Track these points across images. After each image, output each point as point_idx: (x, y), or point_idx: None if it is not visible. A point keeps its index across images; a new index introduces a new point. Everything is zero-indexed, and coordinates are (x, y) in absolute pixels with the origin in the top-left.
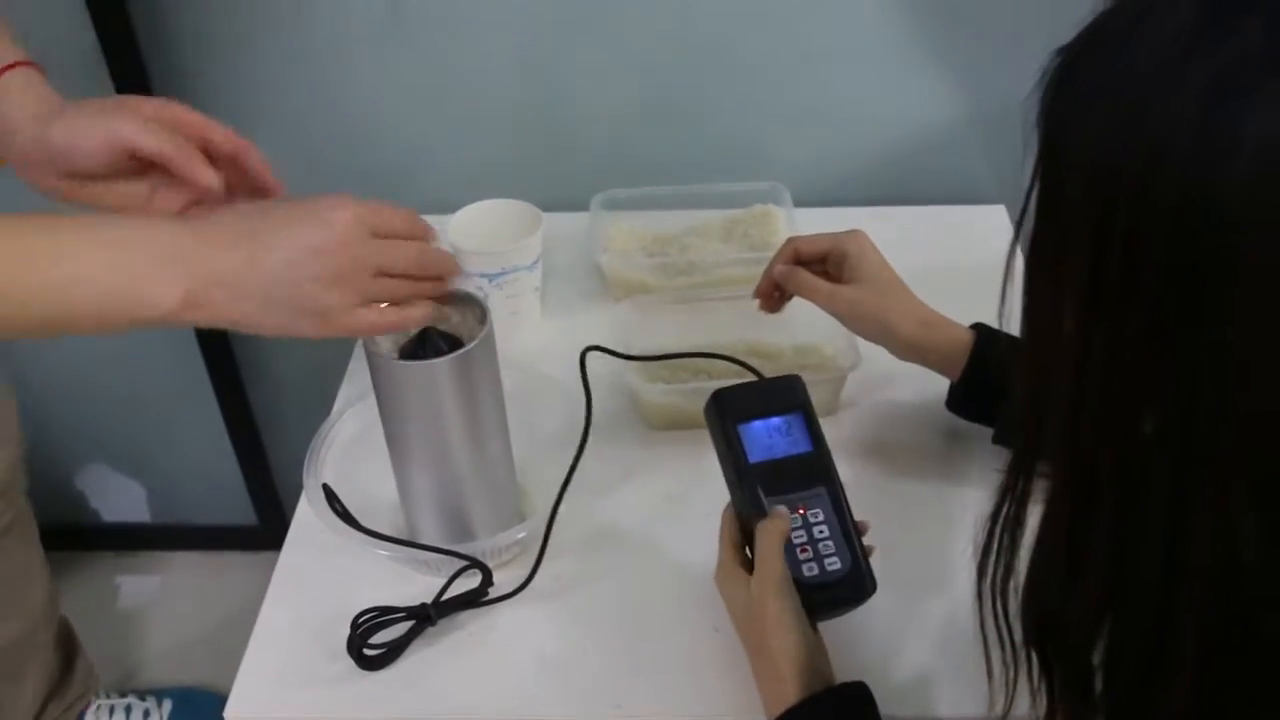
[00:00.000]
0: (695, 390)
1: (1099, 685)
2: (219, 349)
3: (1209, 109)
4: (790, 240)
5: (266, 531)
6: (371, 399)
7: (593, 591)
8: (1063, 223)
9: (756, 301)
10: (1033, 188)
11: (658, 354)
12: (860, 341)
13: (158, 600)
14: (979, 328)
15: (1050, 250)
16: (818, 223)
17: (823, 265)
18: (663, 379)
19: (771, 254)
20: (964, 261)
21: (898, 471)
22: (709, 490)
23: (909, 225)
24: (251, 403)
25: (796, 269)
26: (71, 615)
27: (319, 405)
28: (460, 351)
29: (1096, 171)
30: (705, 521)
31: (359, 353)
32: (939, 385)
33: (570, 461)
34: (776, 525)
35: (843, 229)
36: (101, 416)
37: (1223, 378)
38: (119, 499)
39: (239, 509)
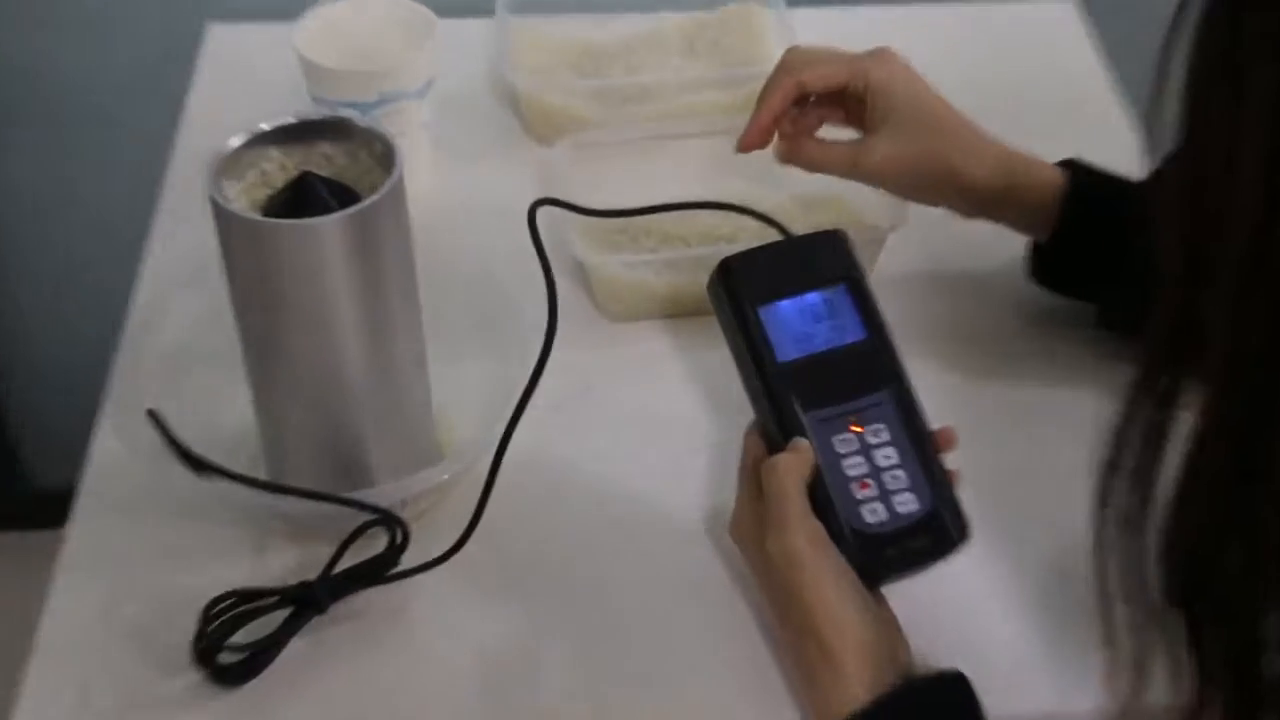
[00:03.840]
0: (670, 263)
1: (1274, 664)
2: None
3: None
4: (786, 69)
5: None
6: (203, 282)
7: (549, 558)
8: (1249, 20)
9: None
10: None
11: (641, 208)
12: None
13: None
14: (1072, 165)
15: (1227, 57)
16: (817, 26)
17: (840, 103)
18: (621, 246)
19: (756, 71)
20: (1020, 77)
21: (963, 367)
22: (707, 405)
23: (940, 28)
24: None
25: (801, 140)
26: None
27: (81, 311)
28: (358, 206)
29: None
30: (704, 452)
31: (171, 201)
32: (1013, 248)
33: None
34: (789, 462)
35: (854, 36)
36: None
37: None
38: None
39: None
